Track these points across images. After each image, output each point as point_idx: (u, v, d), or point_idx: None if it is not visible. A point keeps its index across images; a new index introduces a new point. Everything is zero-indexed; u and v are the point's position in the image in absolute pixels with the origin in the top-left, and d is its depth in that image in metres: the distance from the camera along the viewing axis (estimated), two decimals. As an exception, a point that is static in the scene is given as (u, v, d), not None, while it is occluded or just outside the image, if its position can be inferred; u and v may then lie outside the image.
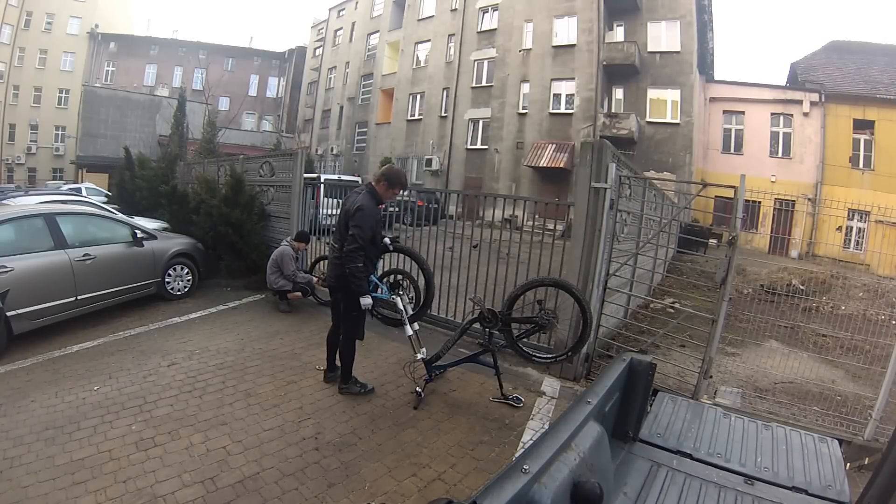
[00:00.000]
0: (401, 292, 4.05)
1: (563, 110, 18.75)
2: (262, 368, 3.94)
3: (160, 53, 33.50)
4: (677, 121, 17.35)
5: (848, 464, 1.67)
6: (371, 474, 2.59)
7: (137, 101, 27.62)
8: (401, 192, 3.68)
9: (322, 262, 6.47)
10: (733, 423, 2.23)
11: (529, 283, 3.56)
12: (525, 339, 3.62)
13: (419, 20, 24.15)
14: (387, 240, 3.80)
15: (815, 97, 16.63)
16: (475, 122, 21.23)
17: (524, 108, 19.70)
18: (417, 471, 2.65)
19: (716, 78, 19.60)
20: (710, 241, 12.13)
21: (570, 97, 18.64)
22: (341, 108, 29.02)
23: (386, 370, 4.02)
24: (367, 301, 3.21)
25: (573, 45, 18.52)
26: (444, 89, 22.50)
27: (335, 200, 7.29)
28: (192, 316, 5.41)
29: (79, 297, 4.77)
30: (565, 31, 18.89)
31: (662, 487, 1.65)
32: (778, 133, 17.33)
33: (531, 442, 2.67)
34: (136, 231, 5.66)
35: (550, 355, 3.67)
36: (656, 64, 17.75)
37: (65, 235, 4.79)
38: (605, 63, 17.81)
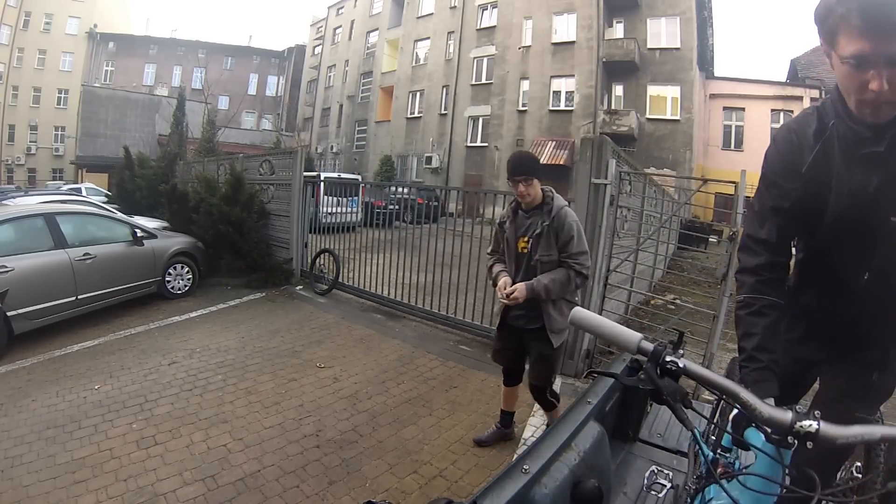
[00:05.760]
0: None
1: (562, 107, 18.72)
2: (263, 366, 3.95)
3: (159, 53, 33.46)
4: (677, 117, 17.33)
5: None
6: (372, 471, 2.59)
7: (137, 100, 27.60)
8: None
9: (322, 256, 6.48)
10: None
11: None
12: None
13: (418, 18, 24.11)
14: None
15: (815, 93, 16.58)
16: (475, 119, 21.20)
17: (524, 105, 19.67)
18: (418, 468, 2.65)
19: (716, 74, 19.57)
20: (711, 237, 12.12)
21: (569, 94, 18.61)
22: (341, 106, 28.98)
23: (387, 367, 4.02)
24: None
25: (573, 42, 18.48)
26: (443, 87, 22.46)
27: (335, 198, 7.31)
28: (193, 314, 5.41)
29: (79, 297, 4.77)
30: (565, 27, 18.85)
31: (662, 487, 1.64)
32: (778, 129, 17.30)
33: (532, 439, 2.67)
34: (137, 230, 5.66)
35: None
36: (656, 60, 17.70)
37: (65, 235, 4.79)
38: (604, 60, 17.77)
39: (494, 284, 2.54)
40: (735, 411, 1.10)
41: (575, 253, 2.34)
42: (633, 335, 0.89)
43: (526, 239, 2.43)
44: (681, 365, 0.83)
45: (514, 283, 2.40)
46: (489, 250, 2.72)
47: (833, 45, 0.97)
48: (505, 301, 2.37)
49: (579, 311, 0.97)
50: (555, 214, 2.36)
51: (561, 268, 2.37)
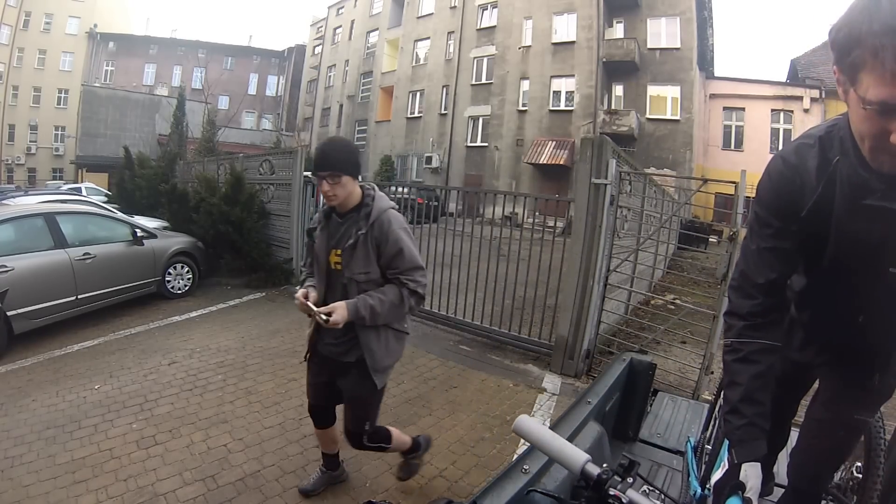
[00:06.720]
0: None
1: (562, 107, 18.72)
2: (263, 366, 3.94)
3: (159, 53, 33.44)
4: (677, 117, 17.33)
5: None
6: (372, 471, 2.59)
7: (137, 100, 27.61)
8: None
9: None
10: None
11: None
12: None
13: (418, 18, 24.11)
14: None
15: (815, 93, 16.58)
16: (475, 119, 21.20)
17: (524, 105, 19.67)
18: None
19: (716, 74, 19.56)
20: (711, 237, 12.12)
21: (569, 94, 18.61)
22: (341, 106, 28.98)
23: (386, 368, 4.02)
24: None
25: (573, 42, 18.48)
26: (443, 87, 22.46)
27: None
28: (193, 314, 5.41)
29: (79, 297, 4.77)
30: (565, 27, 18.85)
31: (662, 487, 1.64)
32: (778, 129, 17.30)
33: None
34: (137, 230, 5.66)
35: None
36: (656, 60, 17.70)
37: (65, 235, 4.80)
38: (604, 60, 17.77)
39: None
40: (717, 476, 1.08)
41: (407, 269, 1.86)
42: (578, 456, 0.78)
43: (339, 251, 1.87)
44: (625, 501, 0.72)
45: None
46: (304, 263, 2.13)
47: (853, 80, 0.79)
48: (323, 324, 1.77)
49: (525, 421, 0.83)
50: (374, 220, 1.82)
51: (391, 285, 1.87)
